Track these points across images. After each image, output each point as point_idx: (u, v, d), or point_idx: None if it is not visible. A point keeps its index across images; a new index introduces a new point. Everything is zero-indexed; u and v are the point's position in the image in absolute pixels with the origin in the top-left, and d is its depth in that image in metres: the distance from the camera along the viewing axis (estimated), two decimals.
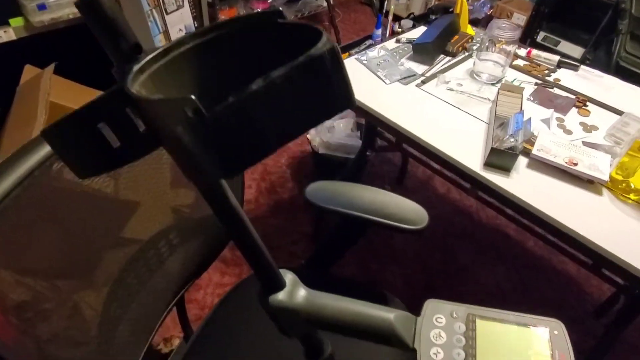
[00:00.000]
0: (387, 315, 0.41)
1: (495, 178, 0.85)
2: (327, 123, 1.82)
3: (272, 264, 0.40)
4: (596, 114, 1.03)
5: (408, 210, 0.90)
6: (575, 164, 0.84)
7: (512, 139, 0.84)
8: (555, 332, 0.39)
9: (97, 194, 0.58)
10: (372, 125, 1.44)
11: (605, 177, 0.81)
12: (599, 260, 0.77)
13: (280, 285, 0.42)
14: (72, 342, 0.61)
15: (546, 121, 0.99)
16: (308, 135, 1.82)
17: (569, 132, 0.97)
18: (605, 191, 0.84)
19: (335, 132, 1.77)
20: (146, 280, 0.76)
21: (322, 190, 0.95)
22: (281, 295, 0.41)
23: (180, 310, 1.02)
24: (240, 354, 0.84)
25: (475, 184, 0.89)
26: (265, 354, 0.83)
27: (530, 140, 0.91)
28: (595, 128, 0.99)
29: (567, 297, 1.50)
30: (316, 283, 0.97)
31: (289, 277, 0.43)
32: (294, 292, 0.42)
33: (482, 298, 1.49)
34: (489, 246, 1.67)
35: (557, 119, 1.01)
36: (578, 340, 1.39)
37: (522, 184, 0.85)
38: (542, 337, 0.39)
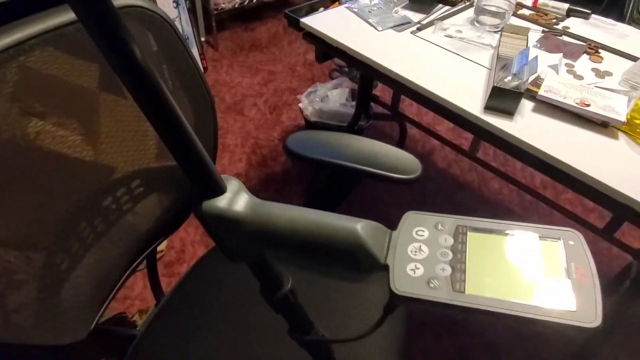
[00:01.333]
0: (352, 224, 0.32)
1: (497, 122, 0.76)
2: (321, 92, 1.72)
3: (206, 161, 0.31)
4: (609, 61, 0.93)
5: (400, 160, 0.80)
6: (588, 105, 0.74)
7: (516, 78, 0.75)
8: (571, 242, 0.30)
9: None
10: (366, 87, 1.34)
11: (622, 118, 0.71)
12: (615, 209, 0.67)
13: (218, 190, 0.32)
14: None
15: (554, 67, 0.89)
16: (300, 105, 1.73)
17: (579, 78, 0.87)
18: (621, 135, 0.74)
19: (330, 102, 1.67)
20: (102, 233, 0.67)
21: (305, 140, 0.86)
22: (218, 202, 0.32)
23: (152, 276, 0.93)
24: (210, 319, 0.75)
25: (476, 130, 0.79)
26: (236, 319, 0.75)
27: (537, 82, 0.81)
28: (609, 74, 0.89)
29: None
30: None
31: (232, 183, 0.34)
32: (236, 199, 0.33)
33: None
34: None
35: (567, 64, 0.91)
36: None
37: (528, 127, 0.75)
38: (553, 249, 0.30)
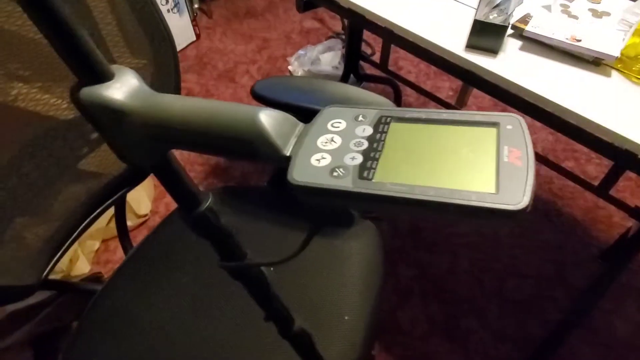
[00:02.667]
0: (253, 111, 0.27)
1: (479, 60, 0.70)
2: (312, 54, 1.66)
3: (87, 43, 0.26)
4: (609, 1, 0.86)
5: (373, 101, 0.75)
6: (579, 41, 0.67)
7: (500, 13, 0.68)
8: (509, 126, 0.25)
9: None
10: (354, 43, 1.27)
11: (616, 54, 0.65)
12: (609, 153, 0.61)
13: (102, 76, 0.28)
14: None
15: (547, 7, 0.82)
16: (290, 67, 1.66)
17: (574, 18, 0.80)
18: (614, 73, 0.68)
19: (321, 64, 1.61)
20: (52, 178, 0.63)
21: (275, 85, 0.81)
22: (101, 89, 0.27)
23: (121, 230, 0.90)
24: (174, 274, 0.72)
25: (458, 72, 0.73)
26: (201, 274, 0.71)
27: (525, 20, 0.74)
28: (607, 14, 0.82)
29: (570, 241, 1.35)
30: (283, 204, 0.84)
31: (124, 71, 0.29)
32: (123, 87, 0.28)
33: (474, 240, 1.35)
34: None
35: (562, 5, 0.83)
36: (581, 285, 1.24)
37: (514, 66, 0.69)
38: (486, 134, 0.24)
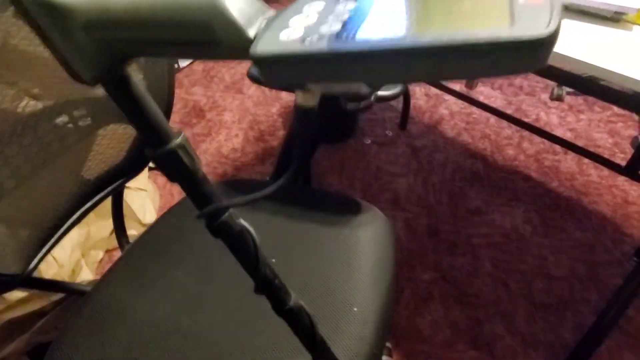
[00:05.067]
0: None
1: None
2: None
3: None
4: None
5: None
6: None
7: None
8: None
9: None
10: None
11: (637, 5, 0.59)
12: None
13: None
14: None
15: None
16: None
17: None
18: (635, 27, 0.62)
19: None
20: (39, 165, 0.60)
21: None
22: None
23: (117, 223, 0.86)
24: (170, 270, 0.66)
25: None
26: (200, 270, 0.66)
27: None
28: None
29: (601, 238, 1.26)
30: (285, 197, 0.79)
31: None
32: None
33: (497, 241, 1.27)
34: (505, 188, 1.44)
35: None
36: (616, 285, 1.14)
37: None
38: None
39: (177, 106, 1.84)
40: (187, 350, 0.55)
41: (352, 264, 0.66)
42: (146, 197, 1.29)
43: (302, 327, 0.41)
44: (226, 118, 1.77)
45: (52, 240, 0.65)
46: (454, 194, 1.42)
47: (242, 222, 0.35)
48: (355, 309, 0.60)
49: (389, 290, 0.64)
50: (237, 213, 0.34)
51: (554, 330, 1.06)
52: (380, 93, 0.65)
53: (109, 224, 1.23)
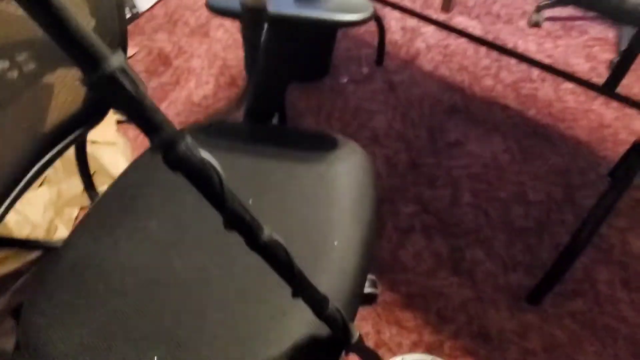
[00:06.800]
0: None
1: None
2: None
3: None
4: None
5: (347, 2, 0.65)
6: None
7: None
8: None
9: None
10: None
11: None
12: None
13: None
14: None
15: None
16: None
17: None
18: None
19: None
20: None
21: None
22: None
23: (84, 175, 0.82)
24: (140, 222, 0.64)
25: None
26: (171, 220, 0.63)
27: None
28: None
29: (577, 162, 1.28)
30: (259, 138, 0.75)
31: None
32: None
33: (477, 171, 1.27)
34: (483, 119, 1.43)
35: None
36: (591, 205, 1.17)
37: None
38: None
39: (140, 54, 1.74)
40: (169, 298, 0.54)
41: (331, 199, 0.65)
42: (117, 152, 1.24)
43: (279, 260, 0.40)
44: (194, 64, 1.68)
45: (11, 196, 0.62)
46: (432, 127, 1.41)
47: (204, 153, 0.32)
48: (335, 243, 0.59)
49: (370, 224, 0.64)
50: (195, 144, 0.31)
51: (532, 252, 1.09)
52: (349, 17, 0.61)
53: (80, 181, 1.19)
